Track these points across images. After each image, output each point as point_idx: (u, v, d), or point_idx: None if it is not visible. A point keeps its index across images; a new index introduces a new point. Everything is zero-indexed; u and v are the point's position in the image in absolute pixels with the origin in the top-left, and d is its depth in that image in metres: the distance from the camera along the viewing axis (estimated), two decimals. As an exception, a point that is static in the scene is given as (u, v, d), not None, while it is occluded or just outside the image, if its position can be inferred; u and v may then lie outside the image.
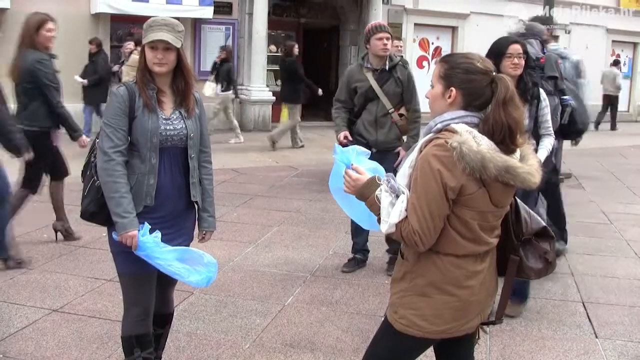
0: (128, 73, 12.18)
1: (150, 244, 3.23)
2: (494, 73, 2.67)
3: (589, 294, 5.74)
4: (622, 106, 22.93)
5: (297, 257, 6.51)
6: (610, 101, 20.77)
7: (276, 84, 18.20)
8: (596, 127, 20.18)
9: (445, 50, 19.54)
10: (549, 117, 5.01)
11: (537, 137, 4.91)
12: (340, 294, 5.56)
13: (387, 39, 5.82)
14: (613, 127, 20.75)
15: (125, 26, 15.55)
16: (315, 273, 6.07)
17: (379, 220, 2.62)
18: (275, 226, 7.62)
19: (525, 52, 4.79)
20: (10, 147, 5.64)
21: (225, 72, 13.99)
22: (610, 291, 5.88)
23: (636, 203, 9.82)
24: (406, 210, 2.56)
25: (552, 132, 5.00)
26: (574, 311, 5.24)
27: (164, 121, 3.37)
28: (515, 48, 4.73)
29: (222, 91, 13.94)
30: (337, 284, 5.79)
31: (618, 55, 23.40)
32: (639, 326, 5.13)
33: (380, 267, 6.17)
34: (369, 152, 2.95)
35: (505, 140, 2.58)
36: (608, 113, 20.60)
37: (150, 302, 3.50)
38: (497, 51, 4.73)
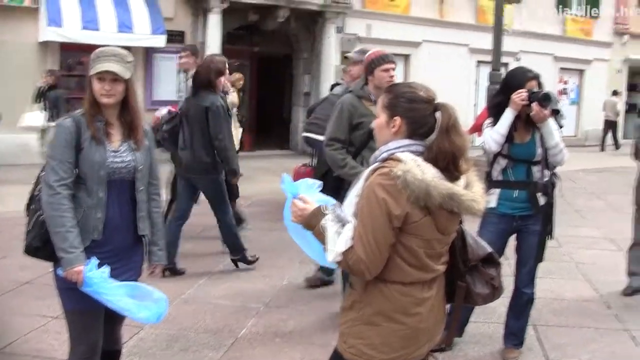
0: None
1: (98, 280, 3.18)
2: (437, 101, 2.72)
3: (539, 316, 5.81)
4: (569, 131, 23.47)
5: (251, 288, 6.47)
6: (610, 125, 23.10)
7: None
8: (601, 149, 22.74)
9: (398, 78, 19.75)
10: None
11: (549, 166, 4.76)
12: (294, 324, 5.54)
13: (393, 69, 5.34)
14: (617, 147, 22.71)
15: (75, 55, 15.42)
16: (269, 304, 6.04)
17: (325, 250, 2.63)
18: (228, 257, 7.56)
19: (540, 85, 4.74)
20: (229, 170, 6.77)
21: (54, 100, 12.89)
22: (560, 313, 5.99)
23: (584, 226, 10.03)
24: (352, 239, 2.57)
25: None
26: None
27: (112, 153, 3.34)
28: (532, 85, 4.66)
29: (49, 121, 12.40)
30: (291, 315, 5.77)
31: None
32: (588, 347, 5.25)
33: (334, 297, 6.15)
34: (321, 183, 2.96)
35: (449, 167, 2.62)
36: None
37: (97, 340, 3.42)
38: (516, 85, 4.64)
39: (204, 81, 6.67)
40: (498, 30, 14.00)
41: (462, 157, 2.66)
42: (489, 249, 2.99)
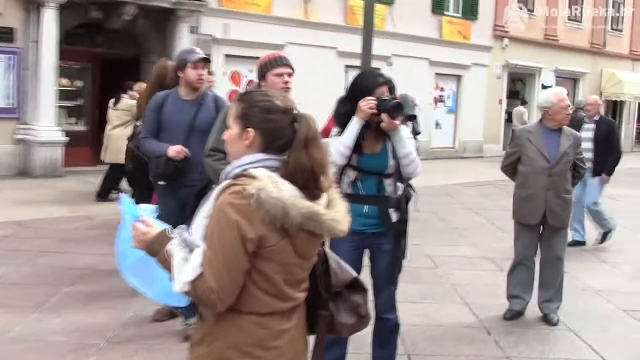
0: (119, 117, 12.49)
1: None
2: (295, 111, 2.74)
3: (413, 345, 5.97)
4: (447, 142, 24.35)
5: (91, 322, 6.28)
6: None
7: (67, 123, 17.65)
8: None
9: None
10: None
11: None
12: (140, 361, 5.44)
13: (289, 74, 5.17)
14: None
15: None
16: (112, 339, 5.88)
17: (172, 279, 2.58)
18: (65, 286, 7.30)
19: (392, 91, 4.74)
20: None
21: None
22: (436, 341, 6.17)
23: (462, 245, 10.36)
24: (202, 265, 2.54)
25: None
26: (399, 365, 5.44)
27: None
28: (383, 91, 4.65)
29: None
30: (136, 351, 5.65)
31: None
32: (464, 376, 5.42)
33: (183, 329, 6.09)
34: (156, 207, 2.91)
35: (309, 185, 2.64)
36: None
37: None
38: (365, 91, 4.65)
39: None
40: (368, 33, 14.30)
41: (323, 172, 2.69)
42: (354, 274, 3.03)
